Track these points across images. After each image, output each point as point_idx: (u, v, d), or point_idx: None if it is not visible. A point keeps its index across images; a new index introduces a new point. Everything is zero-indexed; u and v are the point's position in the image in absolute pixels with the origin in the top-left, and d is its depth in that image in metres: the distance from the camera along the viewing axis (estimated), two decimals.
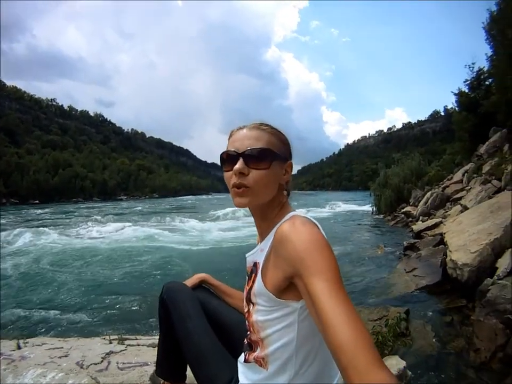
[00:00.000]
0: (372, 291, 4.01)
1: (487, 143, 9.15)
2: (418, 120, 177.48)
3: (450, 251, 3.70)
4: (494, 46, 8.67)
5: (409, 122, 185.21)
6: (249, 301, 0.74)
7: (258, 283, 0.69)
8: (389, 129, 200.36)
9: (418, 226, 7.06)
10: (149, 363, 1.45)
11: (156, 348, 1.10)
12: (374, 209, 15.04)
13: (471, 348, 2.37)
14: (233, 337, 0.94)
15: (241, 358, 0.82)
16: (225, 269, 5.57)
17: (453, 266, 3.45)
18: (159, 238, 10.07)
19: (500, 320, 2.29)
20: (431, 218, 7.59)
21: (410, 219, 9.58)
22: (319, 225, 0.66)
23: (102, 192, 65.27)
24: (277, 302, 0.66)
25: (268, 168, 0.70)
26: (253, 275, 0.73)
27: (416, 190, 11.63)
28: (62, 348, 1.64)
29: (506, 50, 6.83)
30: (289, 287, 0.63)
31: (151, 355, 1.58)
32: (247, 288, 0.76)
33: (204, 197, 75.32)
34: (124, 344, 1.74)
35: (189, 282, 1.10)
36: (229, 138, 0.77)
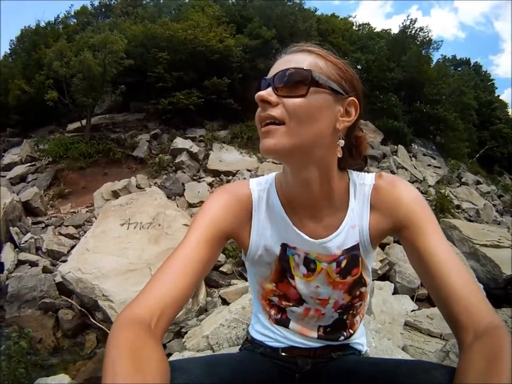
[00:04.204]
0: None
1: None
2: None
3: None
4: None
5: None
6: (359, 284, 0.65)
7: (368, 253, 0.64)
8: None
9: None
10: None
11: None
12: None
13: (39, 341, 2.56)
14: None
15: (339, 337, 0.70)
16: None
17: None
18: None
19: (37, 307, 2.54)
20: None
21: None
22: None
23: None
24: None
25: (304, 95, 0.50)
26: (359, 258, 0.62)
27: None
28: None
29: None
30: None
31: None
32: (355, 276, 0.63)
33: None
34: None
35: None
36: None
